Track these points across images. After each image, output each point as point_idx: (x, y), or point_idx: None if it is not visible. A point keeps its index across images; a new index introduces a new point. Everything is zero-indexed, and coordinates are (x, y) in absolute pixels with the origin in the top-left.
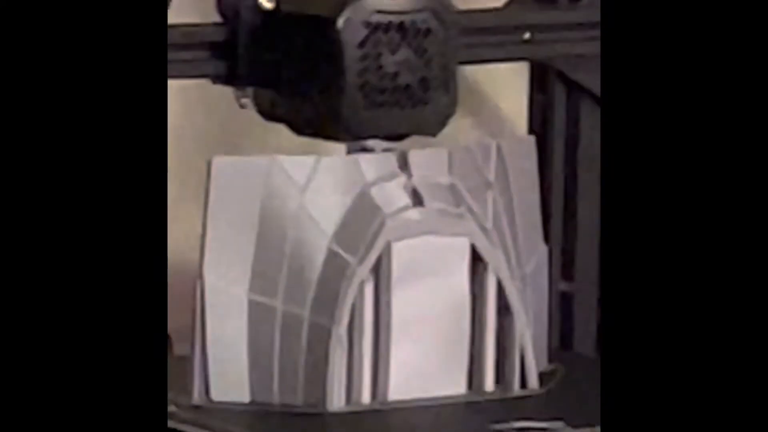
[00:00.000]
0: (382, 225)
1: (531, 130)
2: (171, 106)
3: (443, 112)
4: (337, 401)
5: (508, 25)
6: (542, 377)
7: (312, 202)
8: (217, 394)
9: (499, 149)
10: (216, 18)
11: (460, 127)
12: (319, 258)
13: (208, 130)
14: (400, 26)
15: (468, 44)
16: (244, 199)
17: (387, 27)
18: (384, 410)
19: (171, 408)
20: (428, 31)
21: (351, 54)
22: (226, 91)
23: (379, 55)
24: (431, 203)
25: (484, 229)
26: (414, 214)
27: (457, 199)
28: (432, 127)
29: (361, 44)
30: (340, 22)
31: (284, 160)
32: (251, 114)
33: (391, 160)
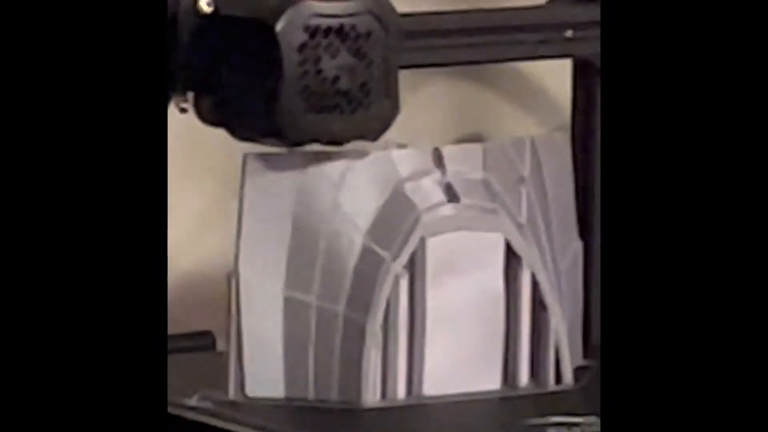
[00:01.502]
0: (416, 221)
1: (574, 127)
2: None
3: (384, 117)
4: (372, 397)
5: (551, 23)
6: (577, 372)
7: (346, 198)
8: (253, 390)
9: (533, 144)
10: None
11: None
12: (354, 254)
13: None
14: (340, 30)
15: (510, 42)
16: (279, 195)
17: (327, 31)
18: (419, 406)
19: (206, 404)
20: (368, 35)
21: (290, 58)
22: None
23: (319, 59)
24: (465, 199)
25: (518, 224)
26: (448, 209)
27: (492, 195)
28: (373, 132)
29: (301, 48)
30: (279, 26)
31: (319, 156)
32: None
33: (426, 156)
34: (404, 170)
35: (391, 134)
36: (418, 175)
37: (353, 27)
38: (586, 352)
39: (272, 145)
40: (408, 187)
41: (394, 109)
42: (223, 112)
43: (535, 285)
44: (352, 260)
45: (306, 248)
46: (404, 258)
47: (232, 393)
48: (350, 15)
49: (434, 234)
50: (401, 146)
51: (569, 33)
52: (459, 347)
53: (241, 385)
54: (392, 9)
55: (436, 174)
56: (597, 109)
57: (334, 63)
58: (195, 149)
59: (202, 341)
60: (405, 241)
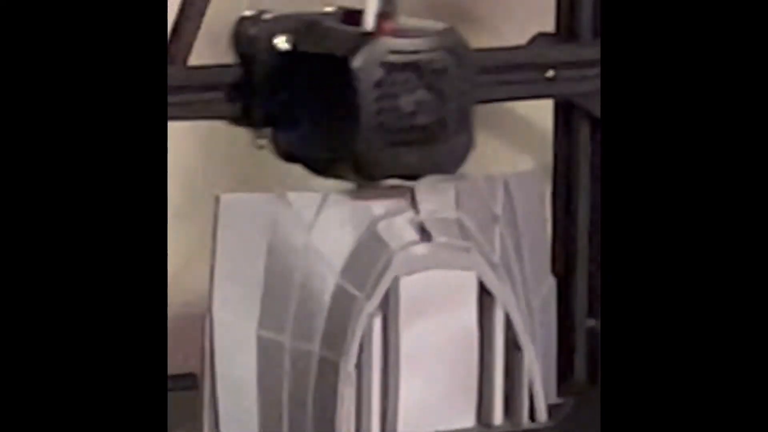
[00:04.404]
0: (389, 260)
1: (556, 167)
2: (188, 145)
3: (460, 151)
4: None
5: (532, 63)
6: (551, 410)
7: (319, 238)
8: (227, 429)
9: (505, 183)
10: (232, 59)
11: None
12: (328, 293)
13: (226, 169)
14: (416, 66)
15: (491, 82)
16: (252, 236)
17: (403, 67)
18: None
19: None
20: (444, 71)
21: (367, 94)
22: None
23: (396, 95)
24: (438, 238)
25: (491, 263)
26: (421, 249)
27: (464, 234)
28: (449, 166)
29: (378, 84)
30: (357, 63)
31: (292, 196)
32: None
33: (398, 195)
34: (377, 209)
35: None
36: (391, 214)
37: (429, 63)
38: (567, 390)
39: (350, 180)
40: (381, 227)
41: (470, 143)
42: (300, 147)
43: (508, 323)
44: (325, 300)
45: (280, 288)
46: (377, 297)
47: None
48: (426, 51)
49: (407, 273)
50: (374, 185)
51: (550, 73)
52: (433, 386)
53: (216, 425)
54: (467, 45)
55: (409, 213)
56: (579, 148)
57: (411, 98)
58: (178, 190)
59: (186, 383)
60: (378, 281)
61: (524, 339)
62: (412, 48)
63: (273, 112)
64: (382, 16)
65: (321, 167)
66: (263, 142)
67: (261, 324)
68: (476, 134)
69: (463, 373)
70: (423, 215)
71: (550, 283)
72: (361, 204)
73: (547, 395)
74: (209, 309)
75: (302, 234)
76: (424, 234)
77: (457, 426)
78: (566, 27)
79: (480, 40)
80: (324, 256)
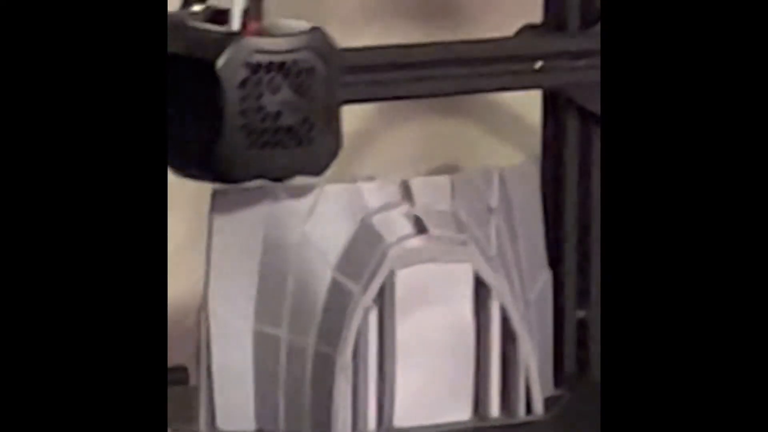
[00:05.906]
0: (385, 253)
1: (544, 158)
2: None
3: (327, 152)
4: (342, 429)
5: (520, 54)
6: (548, 403)
7: (315, 232)
8: (224, 423)
9: (501, 175)
10: None
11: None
12: (323, 287)
13: None
14: (281, 66)
15: (480, 73)
16: (247, 229)
17: (268, 67)
18: None
19: None
20: (310, 71)
21: (231, 95)
22: None
23: (260, 95)
24: (434, 231)
25: (487, 255)
26: (417, 242)
27: (460, 227)
28: (316, 168)
29: (242, 85)
30: (220, 63)
31: (287, 189)
32: None
33: (394, 188)
34: (372, 203)
35: (364, 167)
36: (386, 207)
37: (295, 63)
38: (557, 381)
39: (215, 181)
40: (376, 220)
41: (337, 144)
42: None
43: (504, 316)
44: (321, 294)
45: (275, 282)
46: (373, 291)
47: (202, 426)
48: (292, 51)
49: (403, 266)
50: (369, 178)
51: (538, 64)
52: (429, 378)
53: (212, 419)
54: (333, 44)
55: (404, 206)
56: (567, 139)
57: (276, 99)
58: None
59: (176, 376)
60: (374, 274)
61: (520, 331)
62: (277, 48)
63: None
64: (248, 15)
65: (185, 168)
66: None
67: (257, 318)
68: (464, 126)
69: (460, 366)
70: (418, 208)
71: (546, 276)
72: (357, 197)
73: (543, 388)
74: (205, 303)
75: (297, 227)
76: (420, 227)
77: (454, 418)
78: (554, 18)
79: (468, 31)
80: (319, 250)
